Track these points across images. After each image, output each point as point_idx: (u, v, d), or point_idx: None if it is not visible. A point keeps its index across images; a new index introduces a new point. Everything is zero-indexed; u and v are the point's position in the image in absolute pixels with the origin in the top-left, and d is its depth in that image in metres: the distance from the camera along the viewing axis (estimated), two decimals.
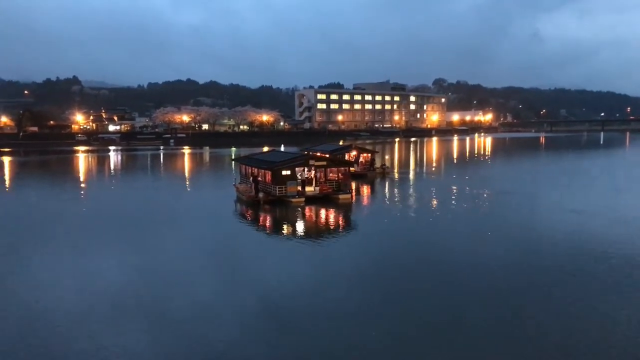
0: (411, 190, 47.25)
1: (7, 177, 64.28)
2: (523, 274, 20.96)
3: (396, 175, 58.59)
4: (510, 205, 37.49)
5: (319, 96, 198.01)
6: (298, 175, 39.95)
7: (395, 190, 46.95)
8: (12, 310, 17.50)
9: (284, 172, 38.95)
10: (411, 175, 60.69)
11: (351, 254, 24.91)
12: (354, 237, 28.69)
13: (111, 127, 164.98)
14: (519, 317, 16.47)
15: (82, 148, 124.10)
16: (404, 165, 74.80)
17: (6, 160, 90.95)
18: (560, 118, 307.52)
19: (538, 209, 36.09)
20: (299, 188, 39.02)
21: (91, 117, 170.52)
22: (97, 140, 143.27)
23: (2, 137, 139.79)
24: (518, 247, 25.17)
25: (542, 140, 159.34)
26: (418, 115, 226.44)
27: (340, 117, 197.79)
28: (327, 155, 45.63)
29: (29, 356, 14.21)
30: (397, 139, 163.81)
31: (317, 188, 40.14)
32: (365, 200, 42.67)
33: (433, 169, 67.92)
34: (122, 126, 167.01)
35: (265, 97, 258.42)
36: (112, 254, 24.92)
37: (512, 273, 21.04)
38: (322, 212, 35.64)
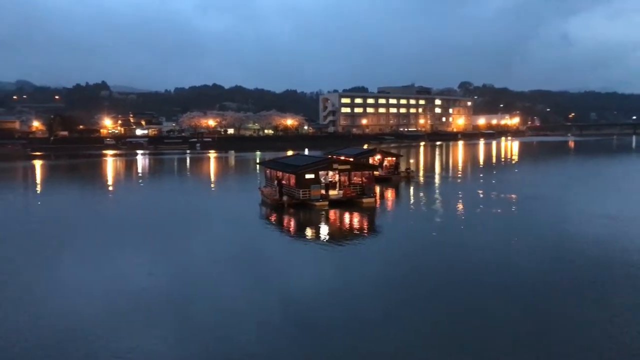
0: (436, 194, 46.77)
1: (39, 180, 65.84)
2: (551, 283, 20.47)
3: (421, 179, 58.09)
4: (538, 211, 36.76)
5: (343, 100, 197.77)
6: (322, 179, 39.98)
7: (420, 194, 46.53)
8: (42, 312, 17.82)
9: (307, 176, 39.04)
10: (436, 179, 60.11)
11: (375, 257, 24.72)
12: (378, 241, 28.50)
13: (139, 132, 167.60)
14: (547, 330, 16.07)
15: (110, 152, 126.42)
16: (429, 169, 74.14)
17: (38, 163, 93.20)
18: (590, 121, 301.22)
19: (568, 215, 35.28)
20: (323, 192, 39.03)
21: (119, 122, 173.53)
22: (125, 144, 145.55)
23: (34, 141, 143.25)
24: (547, 254, 24.63)
25: (571, 144, 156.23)
26: (443, 119, 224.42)
27: (364, 121, 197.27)
28: (351, 159, 45.50)
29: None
30: (422, 143, 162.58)
31: (341, 192, 40.12)
32: (389, 204, 42.37)
33: (459, 173, 67.15)
34: (150, 130, 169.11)
35: (290, 101, 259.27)
36: (139, 257, 25.22)
37: (540, 282, 20.55)
38: (346, 215, 35.55)
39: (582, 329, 15.76)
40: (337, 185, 40.88)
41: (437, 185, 54.31)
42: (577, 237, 27.58)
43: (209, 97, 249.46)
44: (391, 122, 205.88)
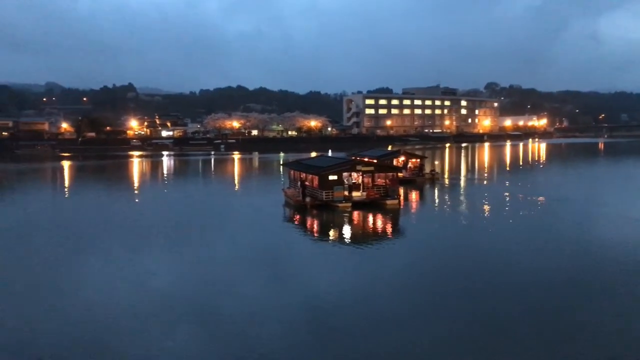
0: (462, 196, 46.02)
1: (68, 180, 67.04)
2: (579, 286, 19.79)
3: (446, 181, 57.28)
4: (567, 213, 35.80)
5: (367, 101, 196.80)
6: (345, 180, 39.69)
7: (445, 196, 45.83)
8: (70, 311, 17.95)
9: (330, 177, 38.81)
10: (462, 181, 59.20)
11: (398, 260, 24.36)
12: (401, 243, 28.09)
13: (164, 133, 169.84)
14: (572, 336, 15.49)
15: (136, 153, 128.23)
16: (455, 171, 73.11)
17: (66, 164, 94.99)
18: (621, 123, 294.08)
19: (598, 217, 34.27)
20: (346, 193, 38.72)
21: (145, 123, 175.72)
22: (151, 146, 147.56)
23: (62, 142, 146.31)
24: (575, 257, 23.87)
25: (601, 146, 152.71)
26: (469, 120, 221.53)
27: (389, 122, 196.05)
28: (375, 161, 45.06)
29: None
30: (447, 145, 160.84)
31: (364, 193, 39.74)
32: (413, 206, 41.81)
33: (485, 175, 66.04)
34: (175, 132, 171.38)
35: (314, 102, 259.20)
36: (166, 256, 25.32)
37: (567, 286, 19.89)
38: (369, 217, 35.20)
39: (602, 330, 15.13)
40: (361, 186, 40.51)
41: (462, 187, 53.48)
42: (607, 241, 26.69)
43: (233, 98, 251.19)
44: (416, 123, 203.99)
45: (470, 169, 75.93)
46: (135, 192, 53.85)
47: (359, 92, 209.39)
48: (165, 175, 73.01)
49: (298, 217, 35.62)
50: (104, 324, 16.46)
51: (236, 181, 64.38)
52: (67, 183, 63.76)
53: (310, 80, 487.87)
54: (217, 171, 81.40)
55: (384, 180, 40.98)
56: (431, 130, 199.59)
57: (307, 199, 38.32)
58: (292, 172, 45.31)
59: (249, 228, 32.59)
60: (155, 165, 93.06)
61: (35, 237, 30.24)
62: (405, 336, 15.26)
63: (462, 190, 50.71)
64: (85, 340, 15.28)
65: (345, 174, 40.09)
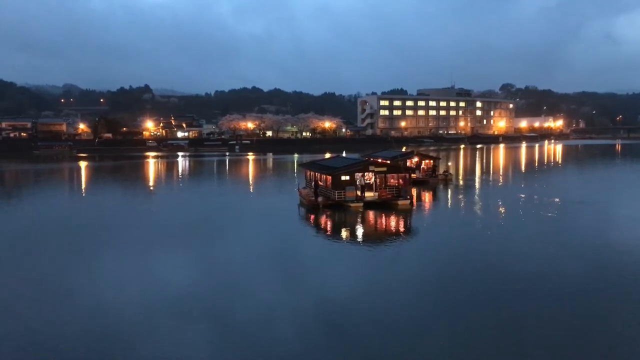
0: (475, 197, 45.78)
1: (87, 180, 67.97)
2: (596, 291, 19.59)
3: (460, 183, 56.99)
4: (584, 216, 35.46)
5: (382, 102, 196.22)
6: (357, 181, 39.88)
7: (458, 197, 45.64)
8: (81, 311, 18.22)
9: (343, 177, 39.05)
10: (476, 182, 58.87)
11: (410, 260, 24.32)
12: (413, 243, 28.03)
13: (180, 134, 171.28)
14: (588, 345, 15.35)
15: (152, 154, 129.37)
16: (469, 172, 72.71)
17: (83, 164, 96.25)
18: (638, 124, 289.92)
19: (617, 220, 33.87)
20: (358, 193, 38.89)
21: (161, 124, 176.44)
22: (167, 147, 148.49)
23: (79, 143, 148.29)
24: (592, 260, 23.64)
25: (619, 147, 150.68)
26: (484, 122, 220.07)
27: (403, 124, 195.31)
28: (388, 162, 45.05)
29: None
30: (462, 146, 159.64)
31: (376, 193, 39.81)
32: (426, 206, 41.72)
33: (500, 176, 65.58)
34: (190, 133, 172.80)
35: (328, 103, 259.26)
36: (182, 256, 25.59)
37: (584, 290, 19.71)
38: (381, 217, 35.21)
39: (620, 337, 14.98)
40: (373, 187, 40.56)
41: (476, 188, 53.18)
42: (625, 244, 26.36)
43: (248, 99, 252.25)
44: (430, 124, 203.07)
45: (485, 170, 75.47)
46: (151, 193, 54.40)
47: (374, 93, 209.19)
48: (180, 176, 73.61)
49: (312, 216, 35.79)
50: (115, 320, 16.71)
51: (250, 181, 64.73)
52: (83, 183, 64.62)
53: (325, 81, 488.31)
54: (232, 172, 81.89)
55: (396, 181, 41.01)
56: (446, 132, 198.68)
57: (320, 199, 38.50)
58: (307, 172, 45.62)
59: (262, 227, 32.82)
60: (171, 165, 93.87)
61: (54, 237, 30.73)
62: (420, 338, 15.27)
63: (476, 191, 50.44)
64: (100, 335, 15.50)
65: (358, 174, 40.23)
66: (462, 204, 41.80)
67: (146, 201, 47.03)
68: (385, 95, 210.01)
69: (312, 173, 43.90)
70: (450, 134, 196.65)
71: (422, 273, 22.09)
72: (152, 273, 22.26)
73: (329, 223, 34.15)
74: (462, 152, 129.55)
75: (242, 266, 23.24)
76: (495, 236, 29.10)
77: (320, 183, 40.88)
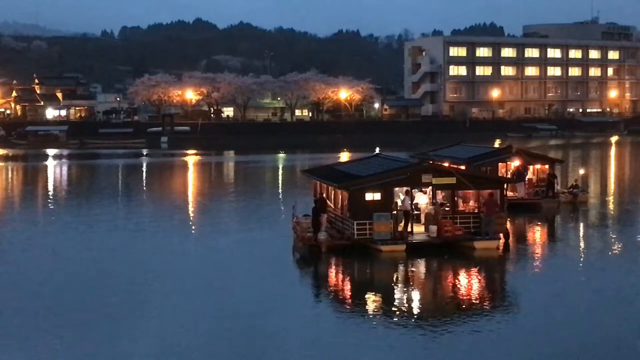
0: (633, 241, 25.18)
1: None
2: None
3: (606, 209, 34.36)
4: None
5: (453, 51, 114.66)
6: (398, 202, 22.60)
7: (599, 240, 25.41)
8: None
9: (368, 196, 21.97)
10: (638, 209, 35.24)
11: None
12: (506, 327, 15.00)
13: (51, 112, 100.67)
14: None
15: None
16: (623, 188, 46.08)
17: None
18: None
19: None
20: (400, 226, 21.89)
21: (14, 94, 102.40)
22: (24, 138, 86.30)
23: None
24: None
25: None
26: None
27: (495, 94, 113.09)
28: (462, 167, 27.82)
29: None
30: (614, 137, 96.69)
31: (434, 227, 22.12)
32: (530, 255, 22.86)
33: None
34: (73, 110, 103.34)
35: (346, 54, 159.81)
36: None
37: None
38: (444, 275, 20.06)
39: None
40: (431, 214, 23.07)
41: (635, 222, 31.13)
42: None
43: (186, 45, 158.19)
44: (549, 94, 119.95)
45: None
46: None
47: (437, 34, 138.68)
48: (50, 204, 36.33)
49: (308, 270, 18.94)
50: None
51: (191, 211, 32.47)
52: None
53: (337, 11, 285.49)
54: (154, 189, 44.59)
55: (475, 204, 23.44)
56: (580, 110, 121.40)
57: (322, 236, 21.39)
58: (317, 185, 27.79)
59: (212, 302, 15.73)
60: (31, 178, 50.16)
61: None
62: None
63: (634, 228, 29.11)
64: None
65: (399, 189, 22.78)
66: (604, 254, 22.39)
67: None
68: (460, 36, 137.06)
69: (322, 186, 26.07)
70: (591, 113, 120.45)
71: None
72: None
73: (341, 286, 19.43)
74: (613, 148, 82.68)
75: None
76: None
77: (330, 206, 23.47)
